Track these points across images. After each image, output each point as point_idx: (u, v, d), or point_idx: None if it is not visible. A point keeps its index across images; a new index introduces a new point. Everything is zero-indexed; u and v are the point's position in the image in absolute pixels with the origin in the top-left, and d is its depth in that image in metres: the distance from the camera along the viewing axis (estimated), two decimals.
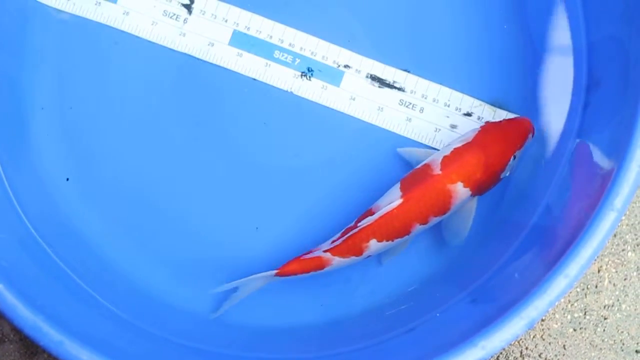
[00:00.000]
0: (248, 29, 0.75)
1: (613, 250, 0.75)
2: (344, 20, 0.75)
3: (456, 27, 0.75)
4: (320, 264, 0.68)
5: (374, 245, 0.67)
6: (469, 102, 0.73)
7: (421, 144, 0.73)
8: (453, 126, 0.73)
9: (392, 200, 0.67)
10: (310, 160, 0.74)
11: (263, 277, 0.68)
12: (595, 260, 0.72)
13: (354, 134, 0.74)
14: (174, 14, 0.75)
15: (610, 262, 0.75)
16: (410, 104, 0.74)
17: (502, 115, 0.73)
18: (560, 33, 0.73)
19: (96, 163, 0.74)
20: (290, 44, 0.74)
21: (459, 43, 0.74)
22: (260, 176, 0.74)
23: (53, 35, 0.75)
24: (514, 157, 0.69)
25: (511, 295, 0.61)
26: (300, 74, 0.74)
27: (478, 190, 0.68)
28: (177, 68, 0.75)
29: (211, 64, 0.74)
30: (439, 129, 0.73)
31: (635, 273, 0.75)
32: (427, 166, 0.68)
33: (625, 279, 0.74)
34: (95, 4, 0.75)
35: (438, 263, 0.72)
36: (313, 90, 0.74)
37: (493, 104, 0.73)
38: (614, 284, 0.74)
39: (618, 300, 0.74)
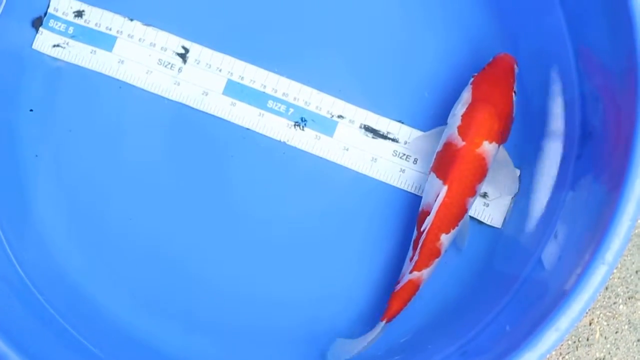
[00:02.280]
0: (242, 78, 0.77)
1: (604, 303, 0.76)
2: (337, 71, 0.78)
3: (450, 79, 0.77)
4: (415, 286, 0.70)
5: (445, 239, 0.70)
6: None
7: (415, 195, 0.75)
8: None
9: (437, 191, 0.69)
10: (303, 210, 0.76)
11: (378, 332, 0.70)
12: (586, 313, 0.73)
13: (347, 185, 0.77)
14: (169, 63, 0.77)
15: (601, 315, 0.76)
16: (404, 155, 0.76)
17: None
18: (553, 84, 0.75)
19: (90, 211, 0.76)
20: (284, 94, 0.77)
21: (453, 95, 0.76)
22: (252, 225, 0.76)
23: (48, 83, 0.78)
24: (515, 93, 0.72)
25: (502, 348, 0.63)
26: (293, 123, 0.77)
27: (502, 139, 0.71)
28: (172, 116, 0.77)
29: (205, 112, 0.77)
30: None
31: (626, 326, 0.76)
32: (449, 144, 0.71)
33: (616, 332, 0.76)
34: (91, 52, 0.78)
35: (430, 314, 0.74)
36: (306, 140, 0.77)
37: None
38: (605, 337, 0.76)
39: (609, 353, 0.76)
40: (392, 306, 0.70)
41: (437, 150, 0.72)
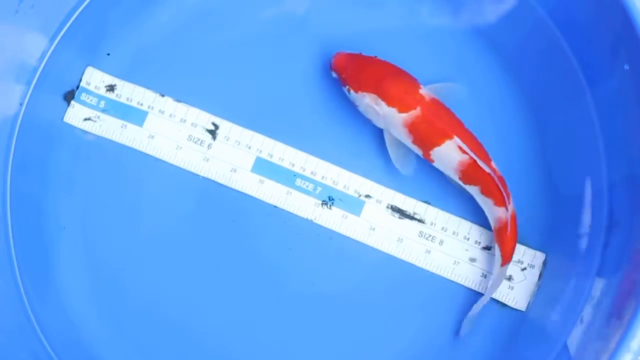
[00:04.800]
0: (271, 156, 0.82)
1: None
2: (365, 150, 0.82)
3: None
4: (515, 217, 0.76)
5: (494, 164, 0.76)
6: (488, 236, 0.80)
7: (441, 276, 0.80)
8: (472, 259, 0.80)
9: (457, 147, 0.75)
10: (328, 289, 0.80)
11: (501, 277, 0.76)
12: None
13: (372, 265, 0.80)
14: (199, 139, 0.82)
15: None
16: (430, 236, 0.80)
17: (520, 251, 0.79)
18: (581, 172, 0.79)
19: (115, 283, 0.81)
20: (312, 172, 0.81)
21: None
22: (278, 302, 0.80)
23: (78, 156, 0.83)
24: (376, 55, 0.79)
25: None
26: (321, 202, 0.81)
27: (417, 81, 0.78)
28: (200, 192, 0.82)
29: (233, 189, 0.81)
30: (458, 262, 0.80)
31: None
32: (413, 124, 0.76)
33: None
34: (122, 127, 0.82)
35: None
36: (333, 219, 0.81)
37: None
38: None
39: None
40: (509, 246, 0.76)
41: (410, 142, 0.77)
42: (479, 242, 0.80)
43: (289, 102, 0.83)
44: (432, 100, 0.76)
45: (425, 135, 0.76)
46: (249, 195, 0.81)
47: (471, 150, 0.75)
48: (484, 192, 0.76)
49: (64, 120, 0.83)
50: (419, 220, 0.81)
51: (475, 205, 0.80)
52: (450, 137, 0.75)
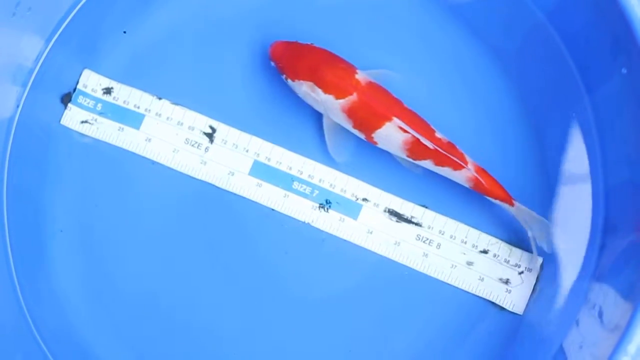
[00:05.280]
0: (269, 159, 0.82)
1: None
2: (362, 154, 0.82)
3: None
4: (480, 167, 0.78)
5: (439, 133, 0.77)
6: (485, 240, 0.80)
7: (439, 280, 0.80)
8: (469, 263, 0.80)
9: (398, 127, 0.76)
10: (325, 292, 0.81)
11: (524, 213, 0.78)
12: None
13: (369, 268, 0.81)
14: (196, 142, 0.82)
15: None
16: (427, 239, 0.81)
17: (517, 254, 0.80)
18: (579, 177, 0.80)
19: (114, 287, 0.81)
20: (309, 176, 0.82)
21: None
22: (274, 304, 0.81)
23: (75, 159, 0.83)
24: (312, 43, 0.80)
25: None
26: (318, 205, 0.81)
27: (352, 65, 0.79)
28: (197, 195, 0.82)
29: (231, 192, 0.82)
30: (455, 266, 0.80)
31: None
32: (351, 109, 0.77)
33: None
34: (119, 130, 0.83)
35: None
36: (330, 222, 0.81)
37: (509, 243, 0.80)
38: None
39: None
40: (498, 193, 0.77)
41: (351, 128, 0.78)
42: (476, 246, 0.80)
43: (287, 106, 0.83)
44: (369, 85, 0.77)
45: (365, 120, 0.77)
46: (246, 199, 0.82)
47: (412, 128, 0.76)
48: (437, 163, 0.77)
49: (61, 122, 0.83)
50: (417, 224, 0.81)
51: (473, 209, 0.81)
52: (390, 119, 0.76)
